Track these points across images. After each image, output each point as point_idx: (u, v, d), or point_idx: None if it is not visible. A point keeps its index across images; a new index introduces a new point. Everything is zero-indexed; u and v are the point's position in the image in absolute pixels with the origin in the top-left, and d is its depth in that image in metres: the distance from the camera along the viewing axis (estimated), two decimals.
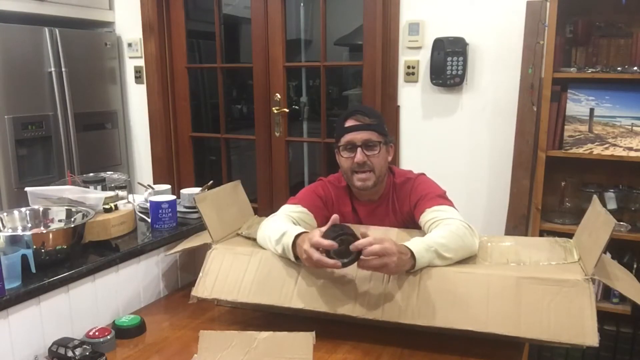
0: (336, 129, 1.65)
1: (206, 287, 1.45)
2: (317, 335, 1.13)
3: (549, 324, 1.21)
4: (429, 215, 1.50)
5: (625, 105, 2.29)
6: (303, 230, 1.42)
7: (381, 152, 1.59)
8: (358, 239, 1.26)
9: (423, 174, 1.69)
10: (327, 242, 1.25)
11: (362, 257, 1.25)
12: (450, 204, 1.55)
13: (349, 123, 1.60)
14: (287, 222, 1.50)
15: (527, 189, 2.53)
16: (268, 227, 1.51)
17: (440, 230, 1.41)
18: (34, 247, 1.37)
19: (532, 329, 1.22)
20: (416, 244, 1.33)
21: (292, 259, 1.40)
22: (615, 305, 2.34)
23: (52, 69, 3.04)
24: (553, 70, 2.26)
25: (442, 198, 1.56)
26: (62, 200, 1.68)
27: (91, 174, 2.09)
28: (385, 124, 1.68)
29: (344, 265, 1.27)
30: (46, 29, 3.01)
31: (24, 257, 1.33)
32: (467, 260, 1.39)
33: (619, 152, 2.28)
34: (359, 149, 1.57)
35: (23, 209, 1.63)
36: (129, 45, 3.46)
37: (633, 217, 2.37)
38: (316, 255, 1.26)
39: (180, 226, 1.80)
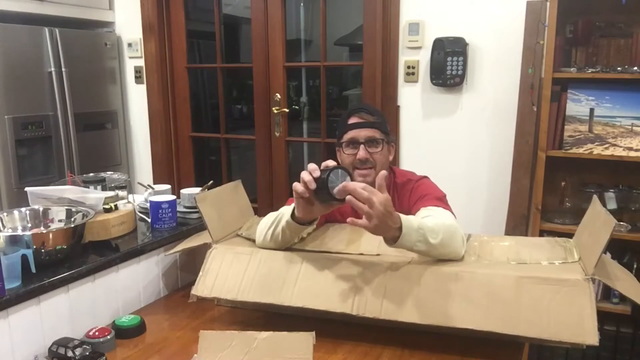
0: (339, 125, 1.65)
1: (206, 286, 1.45)
2: (317, 335, 1.13)
3: (549, 323, 1.21)
4: (423, 213, 1.48)
5: (625, 105, 2.29)
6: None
7: (383, 150, 1.60)
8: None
9: (426, 177, 1.68)
10: (312, 171, 1.28)
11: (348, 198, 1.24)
12: (447, 207, 1.54)
13: (353, 120, 1.61)
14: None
15: (527, 189, 2.53)
16: (264, 219, 1.52)
17: (435, 219, 1.39)
18: (34, 247, 1.37)
19: (532, 328, 1.21)
20: (409, 220, 1.30)
21: (288, 217, 1.39)
22: (615, 305, 2.34)
23: (52, 69, 3.04)
24: (553, 70, 2.26)
25: (439, 201, 1.55)
26: (62, 200, 1.68)
27: (91, 174, 2.09)
28: (387, 123, 1.68)
29: (314, 193, 1.28)
30: (46, 29, 3.01)
31: (24, 257, 1.33)
32: (468, 259, 1.39)
33: (619, 152, 2.28)
34: (361, 146, 1.57)
35: (23, 209, 1.62)
36: (129, 45, 3.46)
37: (633, 217, 2.37)
38: (306, 176, 1.28)
39: (180, 226, 1.80)
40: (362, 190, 1.20)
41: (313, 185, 1.28)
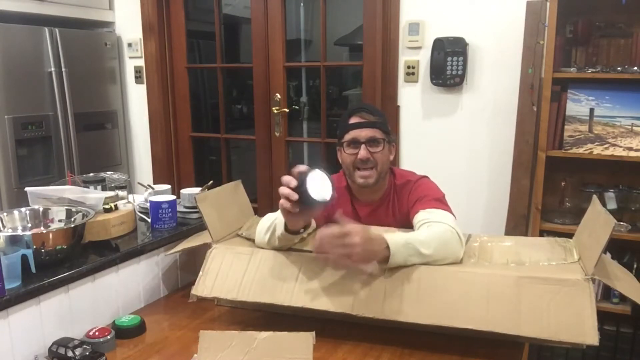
0: (339, 125, 1.65)
1: (206, 286, 1.45)
2: (317, 335, 1.13)
3: (549, 323, 1.21)
4: (421, 216, 1.49)
5: (625, 105, 2.29)
6: None
7: (384, 150, 1.60)
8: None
9: (425, 177, 1.68)
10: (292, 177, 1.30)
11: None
12: (446, 208, 1.53)
13: (354, 120, 1.61)
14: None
15: (527, 189, 2.53)
16: (262, 222, 1.53)
17: (424, 230, 1.41)
18: (34, 247, 1.37)
19: (532, 328, 1.22)
20: (395, 238, 1.32)
21: (282, 229, 1.40)
22: (615, 305, 2.34)
23: (52, 69, 3.04)
24: (553, 70, 2.26)
25: (438, 202, 1.55)
26: (62, 200, 1.68)
27: (91, 174, 2.09)
28: (388, 123, 1.68)
29: (299, 203, 1.29)
30: (46, 29, 3.01)
31: (24, 257, 1.33)
32: (468, 261, 1.39)
33: (619, 152, 2.28)
34: (362, 146, 1.57)
35: (23, 209, 1.62)
36: (129, 45, 3.46)
37: (633, 217, 2.37)
38: (285, 190, 1.29)
39: (180, 226, 1.80)
40: (337, 239, 1.24)
41: (295, 197, 1.29)
